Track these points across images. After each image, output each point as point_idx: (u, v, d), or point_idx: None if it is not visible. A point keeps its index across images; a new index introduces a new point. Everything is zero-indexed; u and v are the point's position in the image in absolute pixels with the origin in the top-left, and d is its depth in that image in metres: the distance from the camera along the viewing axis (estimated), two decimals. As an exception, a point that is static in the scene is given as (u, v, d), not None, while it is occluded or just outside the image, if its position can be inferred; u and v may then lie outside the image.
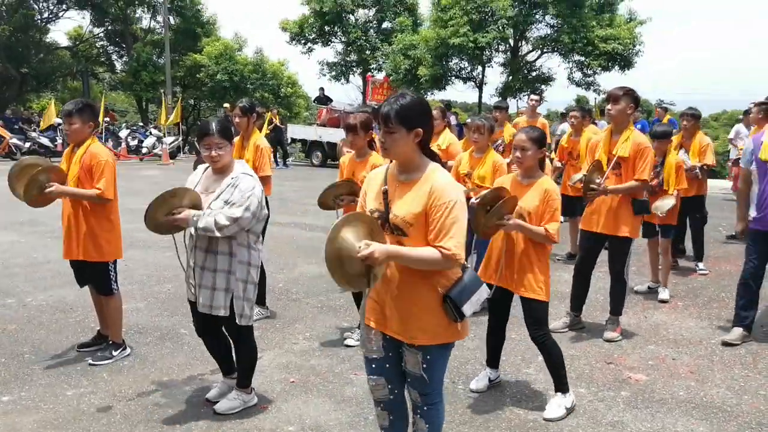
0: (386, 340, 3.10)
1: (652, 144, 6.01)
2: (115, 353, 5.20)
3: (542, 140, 4.33)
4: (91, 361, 5.11)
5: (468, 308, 2.96)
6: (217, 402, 4.32)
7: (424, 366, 3.03)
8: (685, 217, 8.08)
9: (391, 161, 3.06)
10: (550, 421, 4.27)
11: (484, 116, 6.85)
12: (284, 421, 4.22)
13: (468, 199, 6.38)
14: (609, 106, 5.62)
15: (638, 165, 5.51)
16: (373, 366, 3.20)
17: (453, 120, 18.51)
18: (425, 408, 3.18)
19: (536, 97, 11.13)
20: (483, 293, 3.05)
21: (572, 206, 8.65)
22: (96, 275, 5.15)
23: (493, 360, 4.81)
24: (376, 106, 6.64)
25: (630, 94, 5.54)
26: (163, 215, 3.93)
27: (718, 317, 6.50)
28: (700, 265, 8.29)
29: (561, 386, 4.41)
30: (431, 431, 3.22)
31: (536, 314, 4.34)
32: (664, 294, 7.09)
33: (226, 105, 24.69)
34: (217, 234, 3.88)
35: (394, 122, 2.84)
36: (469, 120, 6.88)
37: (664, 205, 6.60)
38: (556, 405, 4.36)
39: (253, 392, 4.42)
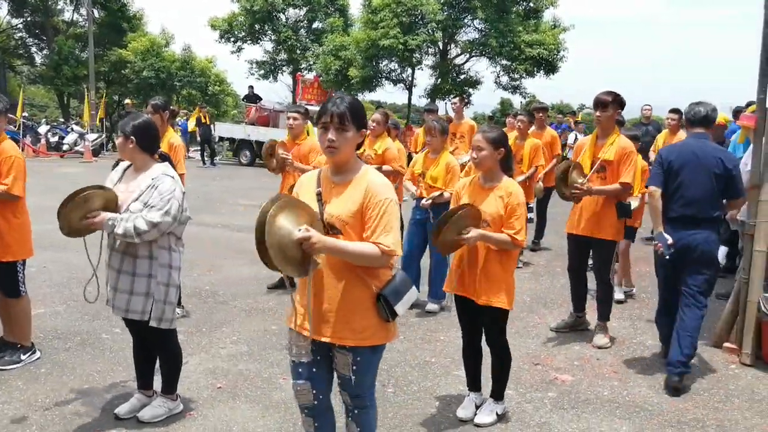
0: (316, 344, 3.05)
1: None
2: (24, 357, 4.99)
3: (500, 140, 4.11)
4: None
5: (401, 308, 2.97)
6: (131, 417, 4.15)
7: (354, 368, 3.02)
8: None
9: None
10: (480, 426, 4.27)
11: (437, 119, 6.90)
12: (210, 428, 4.11)
13: (419, 198, 6.49)
14: (598, 113, 5.62)
15: (623, 168, 5.53)
16: (300, 370, 3.13)
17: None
18: (356, 411, 3.19)
19: (455, 100, 11.22)
20: (413, 294, 3.07)
21: None
22: (2, 276, 4.91)
23: (474, 383, 4.49)
24: (307, 105, 6.69)
25: (617, 100, 5.57)
26: (78, 219, 3.78)
27: (639, 317, 6.69)
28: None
29: (498, 393, 4.39)
30: None
31: (497, 324, 4.24)
32: (618, 294, 7.10)
33: (128, 101, 24.18)
34: (137, 240, 3.78)
35: (349, 120, 2.87)
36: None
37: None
38: (489, 410, 4.35)
39: (178, 399, 4.29)
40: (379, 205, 2.86)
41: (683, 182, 5.05)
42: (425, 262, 6.84)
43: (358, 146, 3.01)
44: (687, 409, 4.64)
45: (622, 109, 5.74)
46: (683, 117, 5.91)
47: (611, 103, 5.56)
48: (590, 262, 6.30)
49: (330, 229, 2.91)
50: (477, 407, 4.42)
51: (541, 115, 9.65)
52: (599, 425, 4.36)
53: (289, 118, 6.95)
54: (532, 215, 9.00)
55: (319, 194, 3.00)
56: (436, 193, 6.35)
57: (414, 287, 3.10)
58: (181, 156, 6.08)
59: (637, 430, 4.32)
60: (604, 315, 5.92)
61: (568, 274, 6.14)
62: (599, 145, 5.71)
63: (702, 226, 5.03)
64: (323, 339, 3.00)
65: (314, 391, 3.14)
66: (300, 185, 3.17)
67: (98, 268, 4.06)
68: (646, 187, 5.60)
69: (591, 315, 6.16)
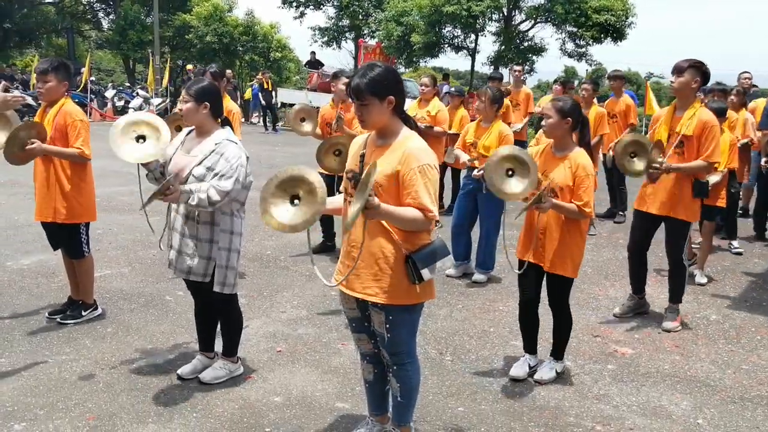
0: (357, 300, 3.26)
1: None
2: (84, 313, 5.16)
3: (568, 110, 4.17)
4: (59, 320, 5.08)
5: (427, 273, 3.07)
6: (192, 378, 4.26)
7: (387, 326, 3.17)
8: None
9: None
10: (540, 382, 4.36)
11: (490, 86, 6.78)
12: (270, 391, 4.19)
13: (472, 168, 6.41)
14: (672, 78, 5.26)
15: (705, 144, 5.12)
16: (354, 324, 3.42)
17: (446, 88, 18.39)
18: (395, 368, 3.31)
19: (518, 68, 11.13)
20: (447, 262, 3.19)
21: None
22: (67, 237, 5.08)
23: (530, 345, 4.58)
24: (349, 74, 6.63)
25: (697, 67, 5.14)
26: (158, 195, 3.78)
27: (703, 292, 6.52)
28: (735, 243, 8.04)
29: (558, 353, 4.52)
30: (403, 391, 3.34)
31: (560, 290, 4.37)
32: (701, 278, 6.83)
33: (189, 66, 24.40)
34: (209, 209, 3.87)
35: (366, 94, 2.97)
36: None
37: (710, 180, 6.09)
38: (549, 368, 4.48)
39: (239, 362, 4.38)
40: (417, 171, 2.95)
41: None
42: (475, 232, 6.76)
43: (398, 109, 3.06)
44: (751, 386, 4.51)
45: (705, 80, 5.26)
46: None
47: (687, 69, 5.14)
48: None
49: None
50: (531, 368, 4.52)
51: (615, 83, 9.53)
52: (659, 399, 4.29)
53: (337, 83, 6.96)
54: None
55: (362, 156, 3.16)
56: None
57: (450, 256, 3.20)
58: (238, 123, 6.20)
59: (698, 405, 4.23)
60: (676, 297, 5.59)
61: (628, 254, 5.80)
62: (677, 117, 5.31)
63: None
64: (358, 295, 3.17)
65: (373, 341, 3.36)
66: (352, 146, 3.36)
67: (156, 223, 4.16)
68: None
69: (649, 293, 6.03)
